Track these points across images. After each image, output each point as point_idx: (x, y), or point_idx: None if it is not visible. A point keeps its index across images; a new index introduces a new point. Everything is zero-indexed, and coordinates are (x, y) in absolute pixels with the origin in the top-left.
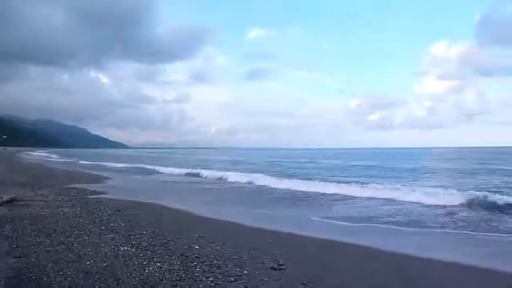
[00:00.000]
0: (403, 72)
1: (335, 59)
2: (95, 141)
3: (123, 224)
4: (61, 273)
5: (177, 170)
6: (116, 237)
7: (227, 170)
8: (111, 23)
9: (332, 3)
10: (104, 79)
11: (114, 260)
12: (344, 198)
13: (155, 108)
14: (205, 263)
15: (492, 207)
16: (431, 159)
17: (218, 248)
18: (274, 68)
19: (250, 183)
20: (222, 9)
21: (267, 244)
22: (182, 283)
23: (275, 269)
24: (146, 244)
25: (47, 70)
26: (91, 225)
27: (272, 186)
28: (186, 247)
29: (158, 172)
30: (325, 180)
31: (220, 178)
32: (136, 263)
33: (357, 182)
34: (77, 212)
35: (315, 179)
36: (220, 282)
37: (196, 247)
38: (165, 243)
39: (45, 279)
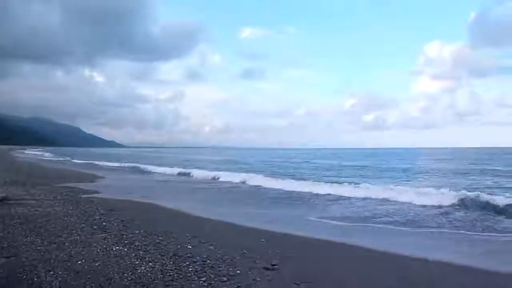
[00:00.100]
0: (397, 72)
1: (330, 59)
2: (89, 140)
3: (115, 224)
4: (51, 272)
5: (170, 170)
6: (108, 237)
7: (220, 170)
8: (105, 22)
9: (327, 3)
10: (98, 77)
11: (106, 260)
12: (339, 198)
13: (149, 107)
14: (198, 263)
15: (484, 207)
16: (424, 159)
17: (211, 248)
18: (268, 67)
19: (243, 183)
20: (216, 7)
21: (260, 244)
22: (174, 283)
23: (268, 269)
24: (139, 244)
25: (41, 68)
26: (83, 225)
27: (265, 186)
28: (178, 246)
29: (151, 172)
30: (319, 180)
31: (213, 178)
32: (128, 262)
33: (350, 183)
34: (69, 212)
35: (309, 179)
36: (212, 282)
37: (189, 247)
38: (158, 242)
39: (35, 279)
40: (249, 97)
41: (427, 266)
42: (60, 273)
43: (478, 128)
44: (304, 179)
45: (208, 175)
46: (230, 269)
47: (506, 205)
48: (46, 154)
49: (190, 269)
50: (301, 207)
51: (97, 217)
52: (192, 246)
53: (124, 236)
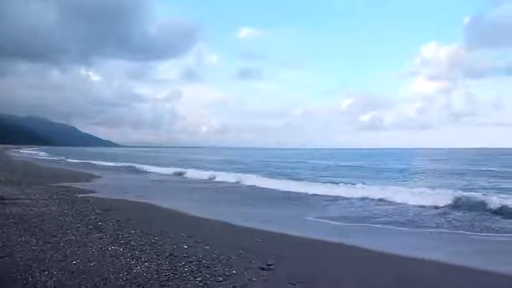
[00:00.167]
0: (394, 72)
1: (327, 59)
2: (85, 139)
3: (111, 223)
4: (46, 272)
5: (166, 169)
6: (104, 237)
7: (216, 169)
8: (102, 21)
9: (325, 4)
10: (94, 76)
11: (101, 260)
12: (335, 198)
13: (146, 106)
14: (194, 263)
15: (478, 207)
16: (420, 160)
17: (207, 248)
18: (266, 67)
19: (239, 183)
20: (214, 7)
21: (256, 244)
22: (170, 283)
23: (263, 269)
24: (134, 244)
25: (37, 66)
26: (78, 224)
27: (262, 186)
28: (174, 246)
29: (147, 171)
30: (315, 181)
31: (209, 178)
32: (124, 262)
33: (346, 183)
34: (65, 211)
35: (306, 179)
36: (208, 282)
37: (185, 246)
38: (154, 242)
39: (30, 279)
40: (247, 97)
41: (424, 266)
42: (55, 273)
43: (474, 129)
44: (300, 179)
45: (204, 175)
46: (226, 269)
47: (502, 205)
48: (41, 154)
49: (186, 269)
50: (298, 207)
51: (93, 217)
52: (188, 246)
53: (120, 236)
